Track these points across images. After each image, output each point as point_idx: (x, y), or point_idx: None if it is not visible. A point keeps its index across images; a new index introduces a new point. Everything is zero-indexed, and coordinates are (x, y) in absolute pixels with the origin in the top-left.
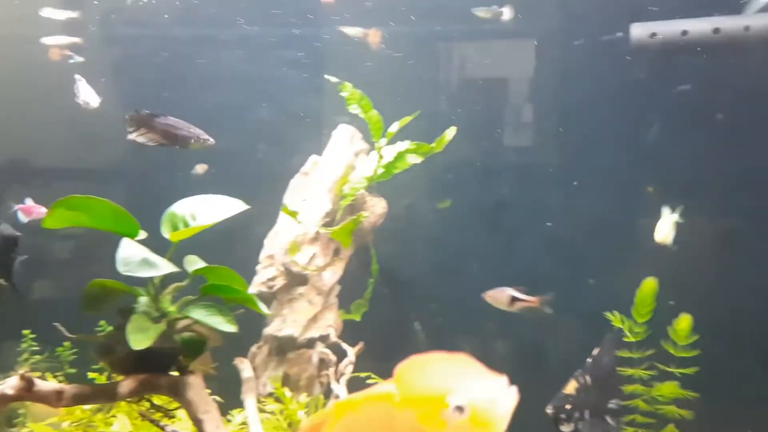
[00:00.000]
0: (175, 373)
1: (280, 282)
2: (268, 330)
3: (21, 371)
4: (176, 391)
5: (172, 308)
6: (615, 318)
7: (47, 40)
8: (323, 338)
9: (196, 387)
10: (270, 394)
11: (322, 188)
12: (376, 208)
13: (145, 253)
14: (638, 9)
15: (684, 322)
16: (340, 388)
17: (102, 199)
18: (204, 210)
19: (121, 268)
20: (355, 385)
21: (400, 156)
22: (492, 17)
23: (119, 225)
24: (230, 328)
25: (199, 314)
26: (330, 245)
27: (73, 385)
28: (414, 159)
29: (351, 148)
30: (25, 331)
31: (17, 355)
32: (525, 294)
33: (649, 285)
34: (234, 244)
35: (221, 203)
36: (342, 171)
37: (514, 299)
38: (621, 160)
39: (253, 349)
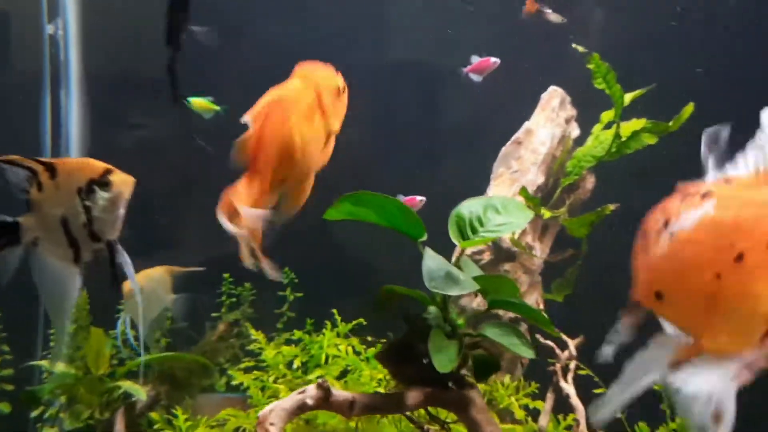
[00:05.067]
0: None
1: (487, 257)
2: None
3: (319, 380)
4: (461, 408)
5: (460, 321)
6: None
7: None
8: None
9: (480, 405)
10: None
11: (534, 159)
12: (587, 183)
13: (447, 266)
14: None
15: None
16: (569, 387)
17: (391, 198)
18: (493, 216)
19: (429, 283)
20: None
21: (635, 135)
22: None
23: (407, 225)
24: (528, 353)
25: (494, 333)
26: (538, 221)
27: (363, 395)
28: (649, 139)
29: (562, 115)
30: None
31: None
32: None
33: None
34: (433, 212)
35: (512, 210)
36: (557, 142)
37: None
38: None
39: None
